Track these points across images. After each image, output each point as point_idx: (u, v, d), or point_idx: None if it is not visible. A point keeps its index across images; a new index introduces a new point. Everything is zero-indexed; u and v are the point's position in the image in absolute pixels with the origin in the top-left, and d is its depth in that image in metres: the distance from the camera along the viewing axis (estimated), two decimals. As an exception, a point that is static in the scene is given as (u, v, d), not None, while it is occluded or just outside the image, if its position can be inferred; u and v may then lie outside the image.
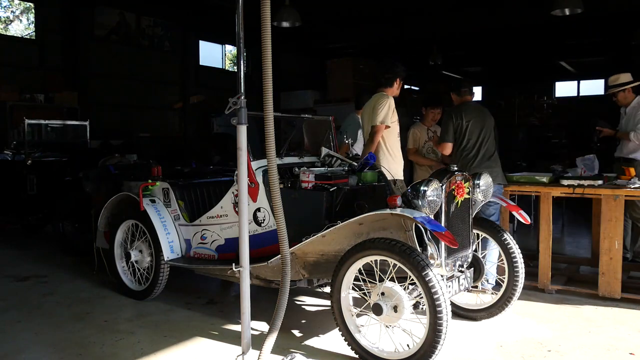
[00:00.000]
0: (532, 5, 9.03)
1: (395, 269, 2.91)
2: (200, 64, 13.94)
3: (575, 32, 11.53)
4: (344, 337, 3.11)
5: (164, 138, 12.03)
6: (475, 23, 10.56)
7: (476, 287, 3.62)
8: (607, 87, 5.38)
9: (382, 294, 2.94)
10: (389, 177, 4.14)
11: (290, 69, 13.51)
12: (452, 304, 3.65)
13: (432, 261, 2.91)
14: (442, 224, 3.07)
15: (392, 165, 4.49)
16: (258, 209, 3.62)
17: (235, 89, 2.51)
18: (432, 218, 2.95)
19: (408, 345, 2.98)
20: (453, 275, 3.18)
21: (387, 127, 4.47)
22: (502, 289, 3.67)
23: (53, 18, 10.78)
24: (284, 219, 2.50)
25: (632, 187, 4.11)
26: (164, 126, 12.92)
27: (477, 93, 17.67)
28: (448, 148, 4.73)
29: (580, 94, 18.40)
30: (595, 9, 7.88)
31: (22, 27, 11.72)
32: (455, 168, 3.27)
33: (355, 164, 3.80)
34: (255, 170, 3.59)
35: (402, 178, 4.62)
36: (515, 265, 3.60)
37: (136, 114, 12.11)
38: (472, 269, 3.40)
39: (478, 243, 3.72)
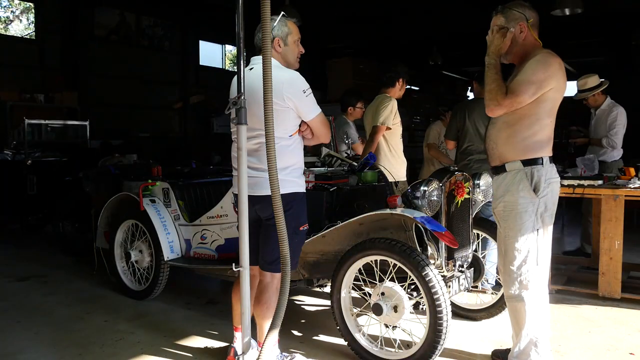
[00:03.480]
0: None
1: (396, 269, 2.92)
2: (200, 64, 13.94)
3: (575, 32, 11.52)
4: (344, 337, 3.11)
5: (164, 138, 12.05)
6: (475, 23, 10.54)
7: (476, 287, 3.62)
8: (577, 91, 5.39)
9: (382, 294, 2.94)
10: (391, 179, 4.15)
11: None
12: (452, 304, 3.65)
13: (432, 261, 2.91)
14: (442, 224, 3.06)
15: (395, 166, 4.50)
16: (258, 209, 3.62)
17: (235, 89, 2.52)
18: (432, 218, 2.95)
19: (408, 345, 2.98)
20: (453, 275, 3.18)
21: (388, 128, 4.47)
22: (502, 289, 3.66)
23: (53, 18, 10.79)
24: (284, 219, 2.50)
25: (632, 187, 4.11)
26: (164, 126, 12.92)
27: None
28: (450, 145, 4.77)
29: (581, 94, 18.39)
30: (595, 9, 7.88)
31: (22, 27, 11.72)
32: (456, 168, 3.27)
33: (355, 164, 3.80)
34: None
35: (404, 179, 4.62)
36: (515, 265, 3.60)
37: (136, 114, 12.11)
38: (472, 269, 3.40)
39: (478, 243, 3.72)
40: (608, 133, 5.28)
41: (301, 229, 2.73)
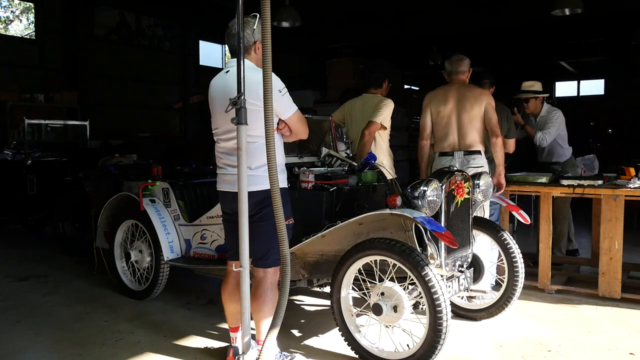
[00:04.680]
0: (532, 6, 9.03)
1: (395, 269, 2.92)
2: (200, 64, 13.94)
3: (575, 32, 11.52)
4: (343, 337, 3.11)
5: (164, 138, 12.04)
6: (475, 23, 10.56)
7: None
8: (520, 90, 5.46)
9: (382, 294, 2.94)
10: (389, 176, 4.14)
11: (290, 69, 13.52)
12: (452, 304, 3.65)
13: (432, 261, 2.91)
14: (442, 224, 3.07)
15: (389, 165, 4.53)
16: (258, 209, 3.62)
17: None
18: (432, 218, 2.95)
19: (408, 345, 2.98)
20: (453, 275, 3.18)
21: (383, 127, 4.47)
22: (502, 289, 3.67)
23: (53, 18, 10.79)
24: (284, 218, 2.51)
25: (632, 187, 4.11)
26: (164, 126, 12.92)
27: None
28: None
29: (580, 94, 18.40)
30: (595, 9, 7.87)
31: (22, 27, 11.73)
32: (455, 168, 3.27)
33: (355, 164, 3.80)
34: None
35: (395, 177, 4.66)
36: (515, 265, 3.60)
37: (136, 114, 12.11)
38: (472, 269, 3.41)
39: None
40: (544, 127, 5.23)
41: (286, 222, 2.78)
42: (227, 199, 2.87)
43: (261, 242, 2.81)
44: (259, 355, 2.52)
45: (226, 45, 2.92)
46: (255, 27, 2.82)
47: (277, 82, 2.73)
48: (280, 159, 2.89)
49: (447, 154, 4.21)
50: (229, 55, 3.05)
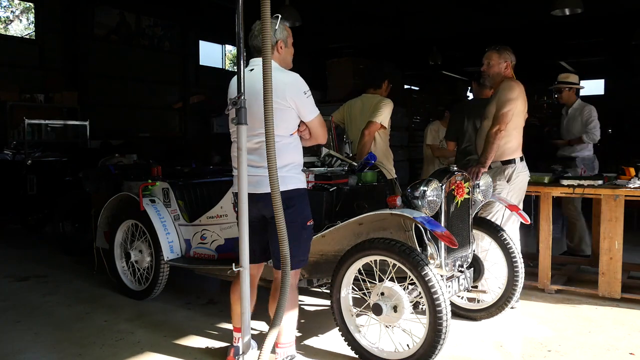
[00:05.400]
0: (532, 6, 9.02)
1: (395, 269, 2.92)
2: (200, 64, 13.94)
3: (575, 32, 11.52)
4: (343, 337, 3.11)
5: (164, 138, 12.05)
6: (475, 23, 10.55)
7: (476, 287, 3.62)
8: (557, 82, 5.64)
9: (382, 294, 2.94)
10: (389, 176, 4.14)
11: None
12: (452, 304, 3.65)
13: (432, 261, 2.91)
14: (442, 224, 3.07)
15: (389, 165, 4.54)
16: (258, 209, 3.62)
17: (235, 88, 2.52)
18: (432, 218, 2.95)
19: (408, 345, 2.98)
20: (453, 275, 3.18)
21: (383, 127, 4.49)
22: (502, 289, 3.67)
23: (53, 18, 10.79)
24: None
25: (632, 187, 4.11)
26: (164, 126, 12.92)
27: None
28: (450, 146, 4.78)
29: (580, 94, 18.38)
30: (595, 9, 7.87)
31: (22, 27, 11.73)
32: (455, 168, 3.27)
33: (355, 164, 3.80)
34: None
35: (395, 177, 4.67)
36: (515, 265, 3.60)
37: (136, 114, 12.11)
38: (472, 269, 3.40)
39: (478, 243, 3.71)
40: (586, 128, 5.46)
41: (308, 224, 2.79)
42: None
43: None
44: (259, 355, 2.53)
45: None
46: (277, 27, 2.81)
47: (302, 84, 2.74)
48: (300, 159, 2.88)
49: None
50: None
